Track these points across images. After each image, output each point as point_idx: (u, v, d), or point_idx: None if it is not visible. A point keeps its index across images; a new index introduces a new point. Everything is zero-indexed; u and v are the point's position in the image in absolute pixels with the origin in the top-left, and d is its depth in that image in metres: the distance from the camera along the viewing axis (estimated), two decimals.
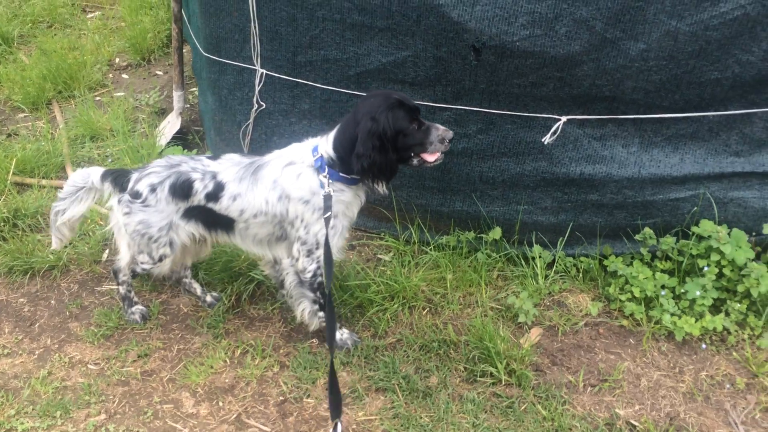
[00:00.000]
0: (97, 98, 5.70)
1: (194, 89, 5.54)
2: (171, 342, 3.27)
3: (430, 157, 2.90)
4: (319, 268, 3.04)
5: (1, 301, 3.51)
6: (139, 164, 4.32)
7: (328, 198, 2.81)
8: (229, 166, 3.01)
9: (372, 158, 2.76)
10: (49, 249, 3.73)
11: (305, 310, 3.15)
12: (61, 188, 4.26)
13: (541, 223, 3.58)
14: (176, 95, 4.94)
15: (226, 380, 3.05)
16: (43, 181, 4.47)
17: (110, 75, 6.21)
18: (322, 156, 2.87)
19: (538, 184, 3.49)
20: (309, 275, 3.04)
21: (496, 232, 3.58)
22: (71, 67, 5.77)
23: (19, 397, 2.94)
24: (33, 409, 2.89)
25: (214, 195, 2.98)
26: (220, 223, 3.07)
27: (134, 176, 3.08)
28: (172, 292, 3.56)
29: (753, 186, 3.28)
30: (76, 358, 3.17)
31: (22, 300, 3.52)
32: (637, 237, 3.38)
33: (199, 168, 3.02)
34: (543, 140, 3.29)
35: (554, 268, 3.52)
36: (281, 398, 2.96)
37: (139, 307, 3.39)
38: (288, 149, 3.03)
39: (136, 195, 3.02)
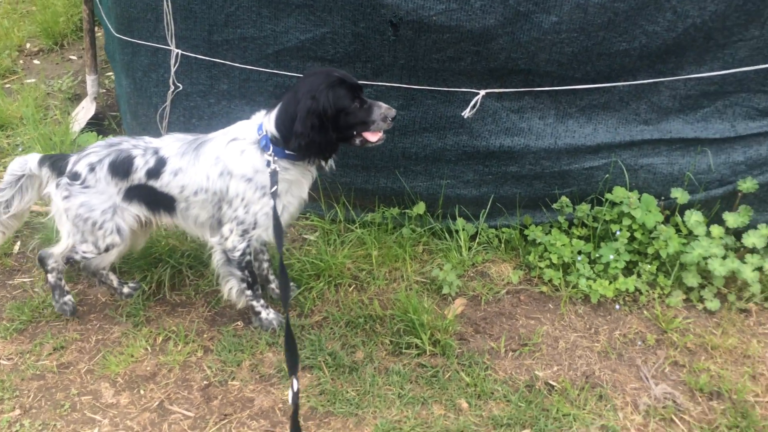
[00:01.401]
0: (7, 86, 5.43)
1: (110, 73, 5.33)
2: (88, 333, 3.16)
3: (372, 137, 2.88)
4: (248, 247, 2.99)
5: None
6: (53, 152, 4.14)
7: (274, 174, 2.76)
8: (171, 142, 2.96)
9: (310, 137, 2.73)
10: None
11: (233, 288, 3.09)
12: None
13: (464, 196, 3.63)
14: (89, 79, 4.75)
15: (148, 368, 2.97)
16: None
17: (21, 61, 5.92)
18: (267, 134, 2.82)
19: (459, 158, 3.54)
20: (238, 254, 2.98)
21: (420, 207, 3.61)
22: None
23: None
24: None
25: (156, 171, 2.89)
26: (162, 203, 2.98)
27: (72, 159, 2.96)
28: (88, 282, 3.43)
29: (661, 152, 3.42)
30: None
31: None
32: (555, 206, 3.47)
33: (141, 145, 2.95)
34: (462, 114, 3.33)
35: (477, 239, 3.58)
36: (205, 382, 2.91)
37: (70, 297, 3.22)
38: (233, 126, 2.97)
39: (74, 176, 2.90)
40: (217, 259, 3.07)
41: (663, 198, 3.43)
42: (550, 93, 3.35)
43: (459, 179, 3.59)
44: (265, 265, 3.34)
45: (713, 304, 3.17)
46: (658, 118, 3.39)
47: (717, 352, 2.97)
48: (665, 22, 3.07)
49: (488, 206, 3.59)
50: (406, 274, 3.41)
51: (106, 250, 3.03)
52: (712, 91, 3.28)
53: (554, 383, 2.87)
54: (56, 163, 3.00)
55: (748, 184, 3.26)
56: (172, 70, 3.69)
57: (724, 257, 3.17)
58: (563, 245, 3.32)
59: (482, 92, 3.32)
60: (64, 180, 2.93)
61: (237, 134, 2.91)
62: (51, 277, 3.17)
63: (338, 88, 2.77)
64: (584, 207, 3.38)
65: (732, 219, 3.27)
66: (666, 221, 3.40)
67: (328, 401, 2.80)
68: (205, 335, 3.14)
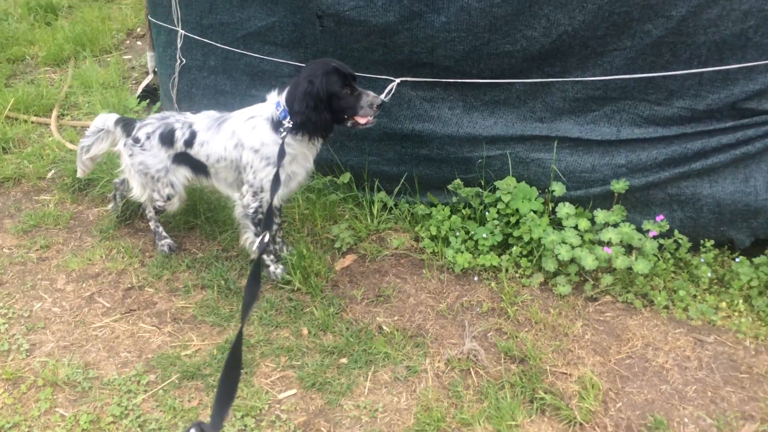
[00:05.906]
0: (108, 59, 6.74)
1: None
2: (70, 240, 4.13)
3: (362, 120, 3.40)
4: (260, 206, 3.58)
5: None
6: (110, 110, 5.23)
7: (288, 128, 3.26)
8: (202, 119, 3.63)
9: (306, 115, 3.22)
10: (9, 166, 4.72)
11: (248, 239, 3.71)
12: (45, 125, 5.29)
13: (386, 172, 4.13)
14: (149, 56, 5.84)
15: (96, 269, 3.86)
16: (33, 118, 5.49)
17: (127, 41, 7.25)
18: (284, 108, 3.31)
19: (382, 138, 4.05)
20: (251, 211, 3.59)
21: (346, 177, 4.17)
22: (92, 33, 6.89)
23: None
24: None
25: (190, 142, 3.56)
26: (200, 168, 3.62)
27: (137, 125, 3.78)
28: (87, 205, 4.43)
29: (551, 149, 3.68)
30: None
31: None
32: (449, 187, 3.87)
33: (181, 120, 3.66)
34: (380, 98, 3.84)
35: (389, 211, 4.07)
36: (129, 286, 3.73)
37: (168, 240, 3.96)
38: (251, 107, 3.55)
39: (136, 140, 3.71)
40: (237, 211, 3.65)
41: (547, 190, 3.69)
42: (457, 86, 3.76)
43: (382, 156, 4.10)
44: (274, 227, 3.88)
45: (564, 289, 3.40)
46: (552, 117, 3.66)
47: (539, 326, 3.23)
48: (541, 28, 3.37)
49: (400, 183, 4.07)
50: (316, 230, 4.00)
51: (168, 198, 3.77)
52: (597, 96, 3.50)
53: (386, 328, 3.32)
54: (126, 126, 3.79)
55: (620, 185, 3.44)
56: (178, 46, 4.60)
57: (578, 247, 3.39)
58: (443, 220, 3.71)
59: (397, 80, 3.82)
60: (129, 141, 3.74)
61: (253, 113, 3.48)
62: (151, 224, 4.03)
63: (332, 75, 3.23)
64: (468, 190, 3.74)
65: (602, 216, 3.47)
66: (553, 213, 3.65)
67: (207, 313, 3.49)
68: (146, 253, 3.98)
